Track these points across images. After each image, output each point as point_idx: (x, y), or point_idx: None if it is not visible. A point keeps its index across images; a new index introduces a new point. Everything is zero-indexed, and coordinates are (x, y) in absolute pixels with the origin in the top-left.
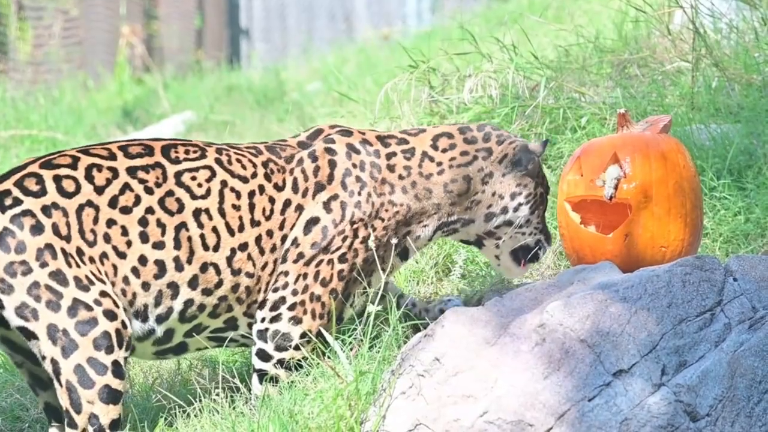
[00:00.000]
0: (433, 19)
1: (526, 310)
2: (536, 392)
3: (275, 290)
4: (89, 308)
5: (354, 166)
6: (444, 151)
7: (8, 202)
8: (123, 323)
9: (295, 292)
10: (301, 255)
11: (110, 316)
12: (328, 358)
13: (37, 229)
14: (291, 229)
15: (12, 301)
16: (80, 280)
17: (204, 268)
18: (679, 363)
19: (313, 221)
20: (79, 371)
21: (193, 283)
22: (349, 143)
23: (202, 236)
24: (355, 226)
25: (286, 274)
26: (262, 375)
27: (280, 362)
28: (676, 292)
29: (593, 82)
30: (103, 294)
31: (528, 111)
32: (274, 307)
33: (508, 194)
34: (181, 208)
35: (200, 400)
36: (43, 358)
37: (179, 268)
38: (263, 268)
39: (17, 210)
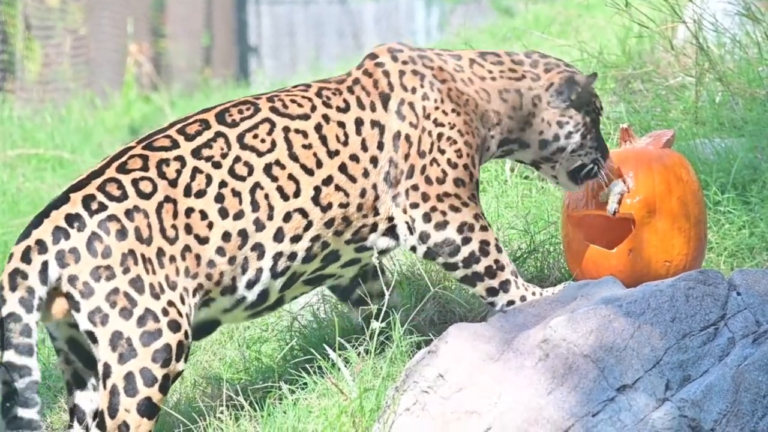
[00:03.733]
0: (441, 35)
1: (530, 325)
2: (540, 408)
3: (404, 216)
4: (157, 319)
5: (404, 63)
6: (492, 63)
7: (94, 206)
8: (186, 333)
9: (415, 205)
10: (402, 173)
11: (174, 327)
12: (332, 374)
13: (122, 233)
14: (378, 149)
15: (88, 305)
16: (154, 287)
17: (287, 217)
18: (683, 378)
19: (396, 136)
20: (129, 378)
21: (278, 235)
22: (389, 48)
23: (279, 188)
24: (432, 116)
25: (398, 195)
26: (489, 289)
27: (467, 263)
28: (680, 307)
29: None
30: (171, 303)
31: None
32: (412, 230)
33: (555, 122)
34: (251, 171)
35: (205, 419)
36: (98, 360)
37: (260, 228)
38: (362, 195)
39: (103, 215)
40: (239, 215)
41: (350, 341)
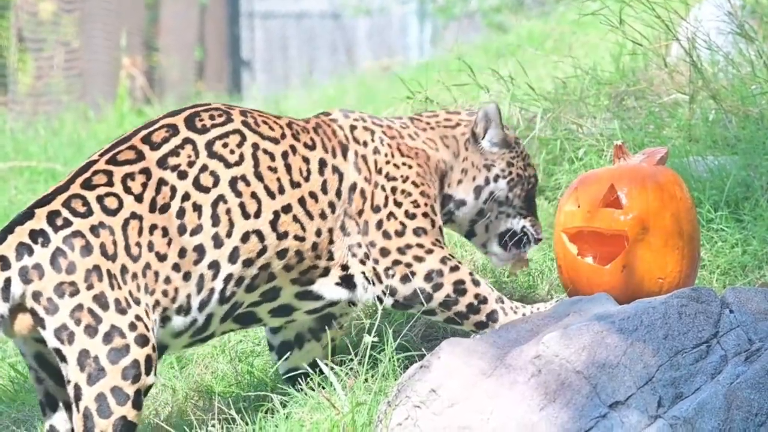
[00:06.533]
0: (434, 51)
1: (523, 341)
2: (532, 424)
3: (361, 267)
4: (123, 335)
5: (356, 120)
6: (428, 116)
7: (59, 222)
8: (153, 347)
9: (376, 261)
10: (356, 226)
11: (142, 342)
12: (324, 389)
13: (87, 250)
14: (337, 197)
15: (54, 321)
16: (119, 302)
17: (245, 237)
18: (675, 395)
19: (353, 188)
20: (100, 399)
21: (233, 256)
22: (340, 109)
23: (241, 205)
24: (384, 171)
25: (353, 247)
26: (478, 324)
27: (445, 306)
28: (673, 324)
29: (591, 113)
30: (138, 318)
31: (525, 142)
32: (373, 282)
33: (482, 165)
34: (216, 182)
35: None
36: (68, 382)
37: (218, 244)
38: (317, 234)
39: (68, 231)
40: (197, 230)
41: (342, 356)
